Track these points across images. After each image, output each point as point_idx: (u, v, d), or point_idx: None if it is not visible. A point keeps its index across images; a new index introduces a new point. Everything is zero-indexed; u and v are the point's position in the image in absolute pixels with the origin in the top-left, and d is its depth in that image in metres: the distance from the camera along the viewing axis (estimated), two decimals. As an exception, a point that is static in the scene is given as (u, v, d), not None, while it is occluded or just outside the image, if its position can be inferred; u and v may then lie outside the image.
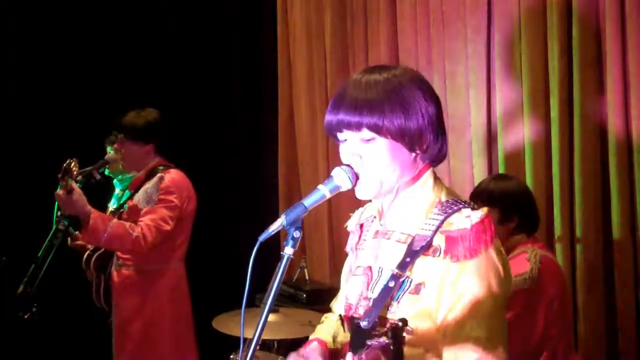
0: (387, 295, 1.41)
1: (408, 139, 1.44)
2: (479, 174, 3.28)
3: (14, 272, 3.14)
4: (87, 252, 3.30)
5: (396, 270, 1.42)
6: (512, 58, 3.19)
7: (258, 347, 1.41)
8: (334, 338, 1.71)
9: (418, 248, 1.41)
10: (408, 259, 1.42)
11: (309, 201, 1.44)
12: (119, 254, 3.19)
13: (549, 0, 3.02)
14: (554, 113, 3.01)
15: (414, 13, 3.68)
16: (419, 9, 3.65)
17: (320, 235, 4.32)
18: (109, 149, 3.58)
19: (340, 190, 1.48)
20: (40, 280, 3.06)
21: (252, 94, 4.82)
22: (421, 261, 1.41)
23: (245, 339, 1.44)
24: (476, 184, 2.87)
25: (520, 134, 3.17)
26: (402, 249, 1.45)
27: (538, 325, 2.43)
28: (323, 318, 1.82)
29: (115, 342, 3.22)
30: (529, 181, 3.09)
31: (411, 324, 1.37)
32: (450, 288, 1.38)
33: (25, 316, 3.02)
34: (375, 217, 1.62)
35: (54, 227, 3.11)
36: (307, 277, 4.04)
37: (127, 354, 3.18)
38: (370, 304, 1.45)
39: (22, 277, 3.06)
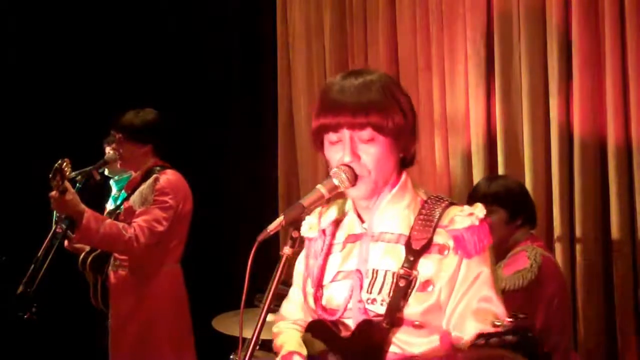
0: (401, 295, 1.44)
1: (404, 138, 1.49)
2: (479, 174, 3.28)
3: (14, 272, 3.14)
4: (83, 254, 3.30)
5: (402, 270, 1.44)
6: (512, 58, 3.19)
7: (257, 347, 1.41)
8: (308, 348, 1.62)
9: (419, 247, 1.44)
10: (412, 258, 1.44)
11: (308, 201, 1.46)
12: (116, 255, 3.18)
13: (549, 0, 3.02)
14: (554, 113, 3.01)
15: (413, 13, 3.67)
16: (418, 9, 3.64)
17: (320, 235, 4.30)
18: (107, 149, 3.58)
19: (339, 190, 1.49)
20: (40, 280, 3.06)
21: (252, 94, 4.81)
22: (425, 260, 1.44)
23: (244, 339, 1.44)
24: (476, 184, 2.87)
25: (520, 134, 3.17)
26: (397, 249, 1.48)
27: (537, 323, 2.44)
28: (275, 328, 1.77)
29: (112, 343, 3.20)
30: (528, 181, 3.09)
31: (420, 319, 1.44)
32: (463, 279, 1.45)
33: (25, 316, 3.02)
34: (337, 221, 1.61)
35: (53, 228, 3.12)
36: (306, 277, 4.03)
37: (123, 355, 3.17)
38: (381, 305, 1.45)
39: (22, 277, 3.06)
